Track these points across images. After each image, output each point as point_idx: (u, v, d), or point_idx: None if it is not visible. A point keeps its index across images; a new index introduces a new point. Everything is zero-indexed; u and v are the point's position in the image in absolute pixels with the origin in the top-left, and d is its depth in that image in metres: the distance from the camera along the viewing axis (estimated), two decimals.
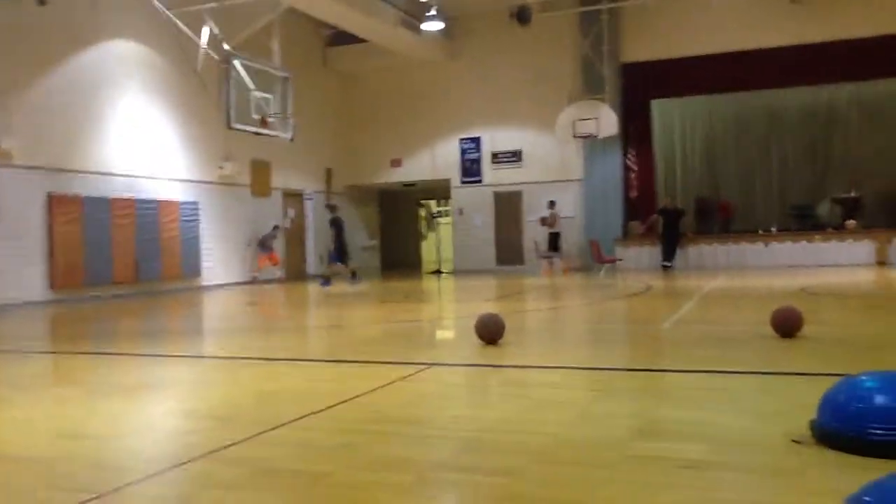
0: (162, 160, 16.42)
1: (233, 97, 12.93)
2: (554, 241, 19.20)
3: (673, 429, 3.66)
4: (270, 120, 13.79)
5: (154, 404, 4.69)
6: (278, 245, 19.58)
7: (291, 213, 20.68)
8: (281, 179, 20.19)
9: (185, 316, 11.69)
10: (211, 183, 17.76)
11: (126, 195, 15.29)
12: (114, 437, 3.78)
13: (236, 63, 13.24)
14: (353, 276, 16.59)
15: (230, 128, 13.26)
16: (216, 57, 13.53)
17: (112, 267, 14.84)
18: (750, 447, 3.25)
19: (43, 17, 13.60)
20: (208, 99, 14.44)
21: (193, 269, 16.96)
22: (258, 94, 13.49)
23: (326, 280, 16.42)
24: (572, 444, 3.40)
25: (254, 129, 13.71)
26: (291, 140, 15.03)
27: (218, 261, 17.85)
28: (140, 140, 15.84)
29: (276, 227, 19.27)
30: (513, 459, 3.15)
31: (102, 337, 8.93)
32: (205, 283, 17.28)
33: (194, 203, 17.07)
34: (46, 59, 14.03)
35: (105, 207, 14.75)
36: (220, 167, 17.78)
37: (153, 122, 16.22)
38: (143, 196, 15.71)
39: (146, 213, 15.63)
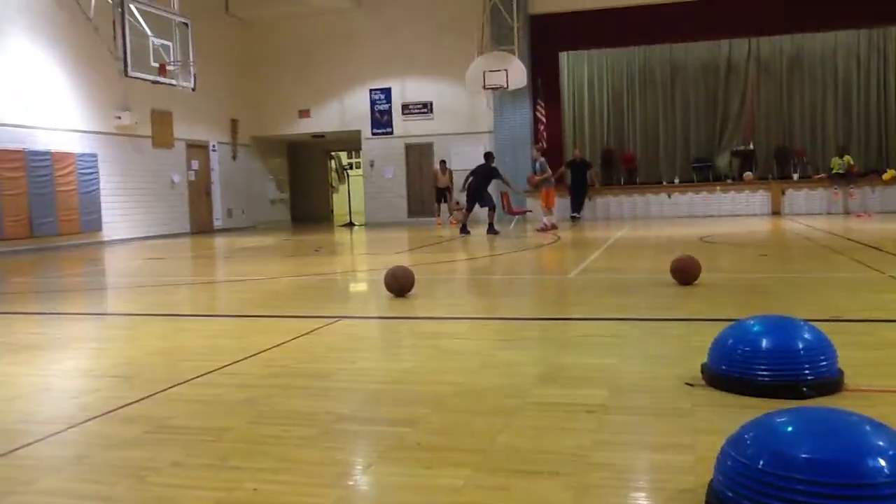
0: (55, 110, 15.56)
1: (129, 44, 12.35)
2: (440, 196, 19.84)
3: (575, 375, 3.75)
4: (170, 68, 13.26)
5: (49, 364, 4.51)
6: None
7: (195, 165, 20.07)
8: (184, 130, 19.49)
9: (83, 272, 11.24)
10: (109, 134, 16.99)
11: (15, 146, 14.47)
12: (5, 400, 3.62)
13: (132, 7, 12.62)
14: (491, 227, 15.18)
15: (127, 76, 12.69)
16: (109, 0, 12.84)
17: (2, 222, 14.10)
18: (647, 391, 3.37)
19: None
20: (102, 45, 13.71)
21: (94, 224, 16.29)
22: (156, 40, 12.93)
23: (492, 227, 15.16)
24: (475, 393, 3.45)
25: (152, 77, 13.16)
26: (193, 89, 14.52)
27: (120, 215, 17.20)
28: (29, 89, 14.94)
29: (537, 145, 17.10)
30: (415, 409, 3.18)
31: None
32: (106, 238, 16.65)
33: (92, 155, 16.31)
34: None
35: None
36: (118, 117, 17.02)
37: (43, 69, 15.30)
38: (35, 148, 14.91)
39: (39, 166, 14.84)
